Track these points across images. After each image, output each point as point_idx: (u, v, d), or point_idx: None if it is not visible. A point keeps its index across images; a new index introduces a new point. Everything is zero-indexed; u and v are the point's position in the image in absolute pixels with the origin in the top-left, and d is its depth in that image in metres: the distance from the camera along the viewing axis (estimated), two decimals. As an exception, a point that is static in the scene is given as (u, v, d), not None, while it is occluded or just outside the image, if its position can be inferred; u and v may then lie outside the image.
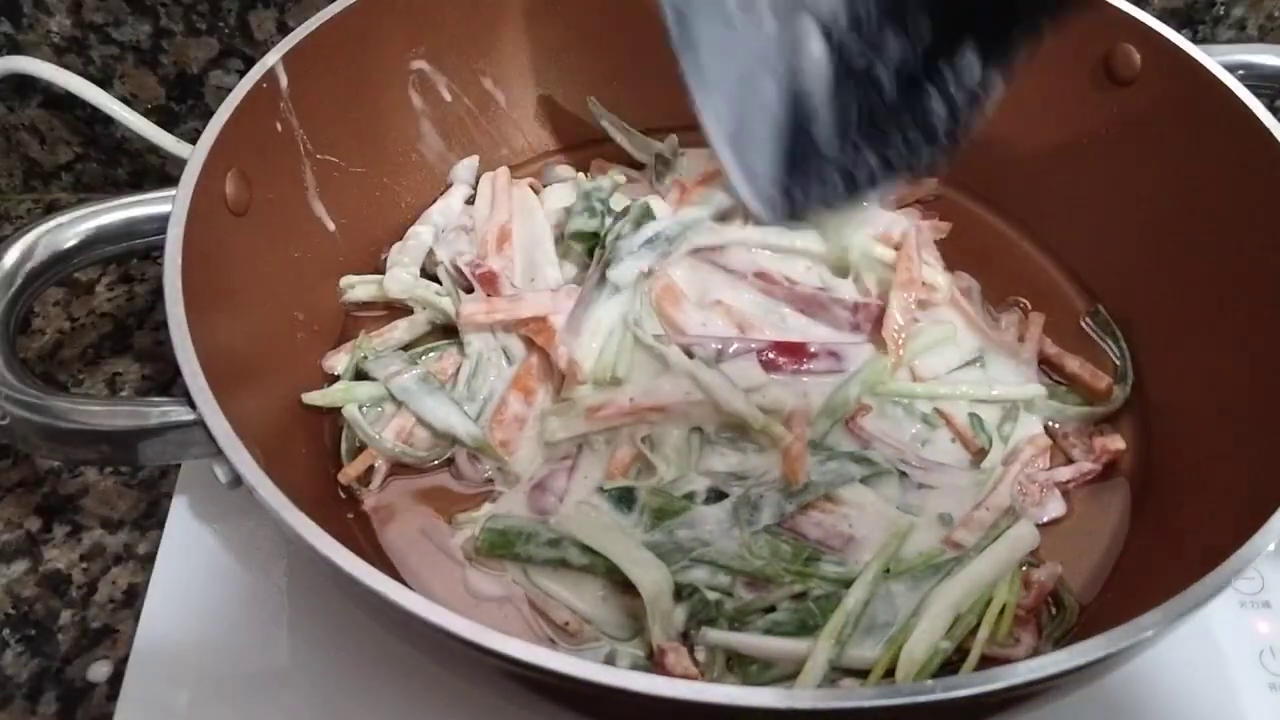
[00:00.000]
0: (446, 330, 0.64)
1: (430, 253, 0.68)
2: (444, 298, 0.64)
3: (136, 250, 0.55)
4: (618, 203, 0.68)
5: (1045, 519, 0.57)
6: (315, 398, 0.60)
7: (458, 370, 0.62)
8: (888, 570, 0.52)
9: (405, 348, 0.64)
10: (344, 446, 0.60)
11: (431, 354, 0.63)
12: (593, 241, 0.65)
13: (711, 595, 0.52)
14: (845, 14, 0.40)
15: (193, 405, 0.46)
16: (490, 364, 0.62)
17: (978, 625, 0.51)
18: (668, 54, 0.75)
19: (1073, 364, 0.64)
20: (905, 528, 0.54)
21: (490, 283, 0.63)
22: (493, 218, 0.68)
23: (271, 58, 0.60)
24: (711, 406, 0.57)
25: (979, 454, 0.59)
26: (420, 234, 0.69)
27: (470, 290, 0.64)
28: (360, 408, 0.60)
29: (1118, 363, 0.65)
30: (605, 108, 0.76)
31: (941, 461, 0.59)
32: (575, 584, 0.54)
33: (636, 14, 0.75)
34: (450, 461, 0.60)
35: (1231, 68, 0.60)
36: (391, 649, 0.55)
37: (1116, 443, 0.60)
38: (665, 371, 0.59)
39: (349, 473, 0.58)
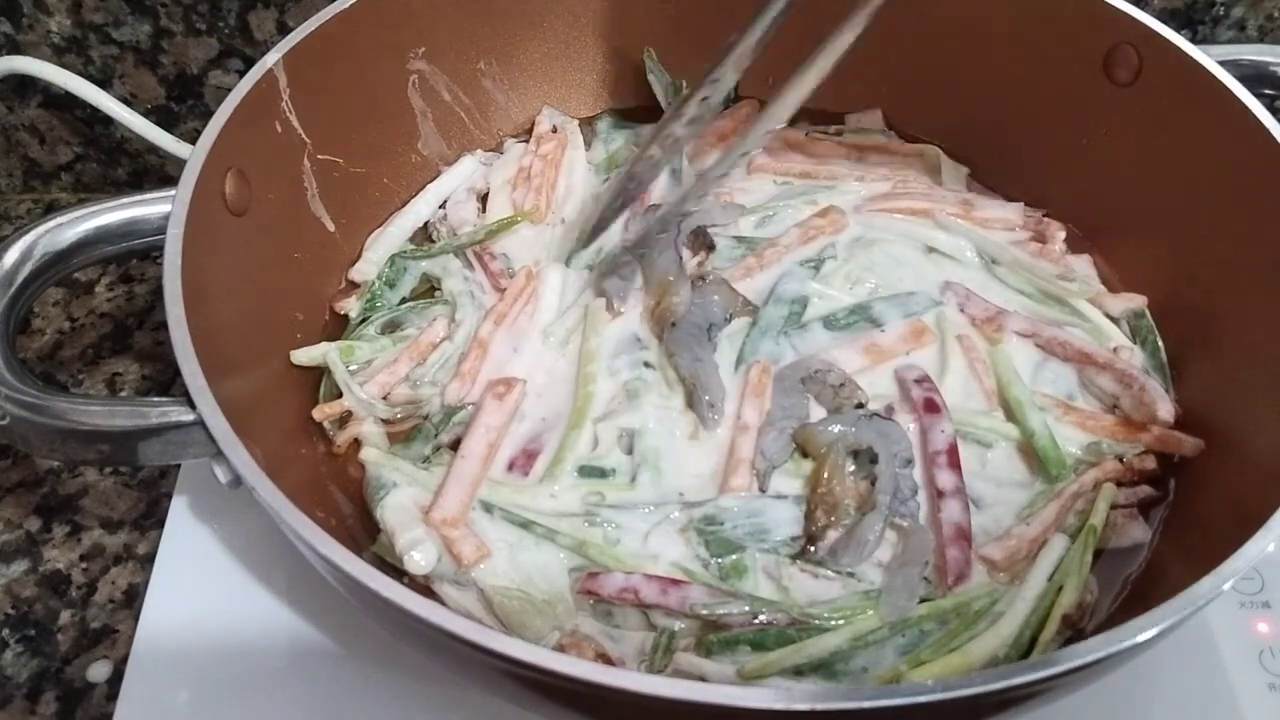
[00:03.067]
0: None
1: (425, 226, 0.70)
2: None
3: (136, 250, 0.55)
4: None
5: (1128, 544, 0.55)
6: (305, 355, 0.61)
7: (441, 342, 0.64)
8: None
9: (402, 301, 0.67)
10: (323, 389, 0.61)
11: (412, 325, 0.65)
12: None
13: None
14: None
15: (192, 405, 0.47)
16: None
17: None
18: (670, 56, 0.76)
19: (1126, 400, 0.60)
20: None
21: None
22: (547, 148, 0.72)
23: (271, 58, 0.60)
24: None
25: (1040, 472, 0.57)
26: (417, 211, 0.70)
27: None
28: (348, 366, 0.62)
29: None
30: (607, 107, 0.77)
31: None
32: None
33: (638, 16, 0.76)
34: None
35: (1231, 67, 0.60)
36: (392, 648, 0.55)
37: (1149, 462, 0.58)
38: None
39: (325, 410, 0.60)
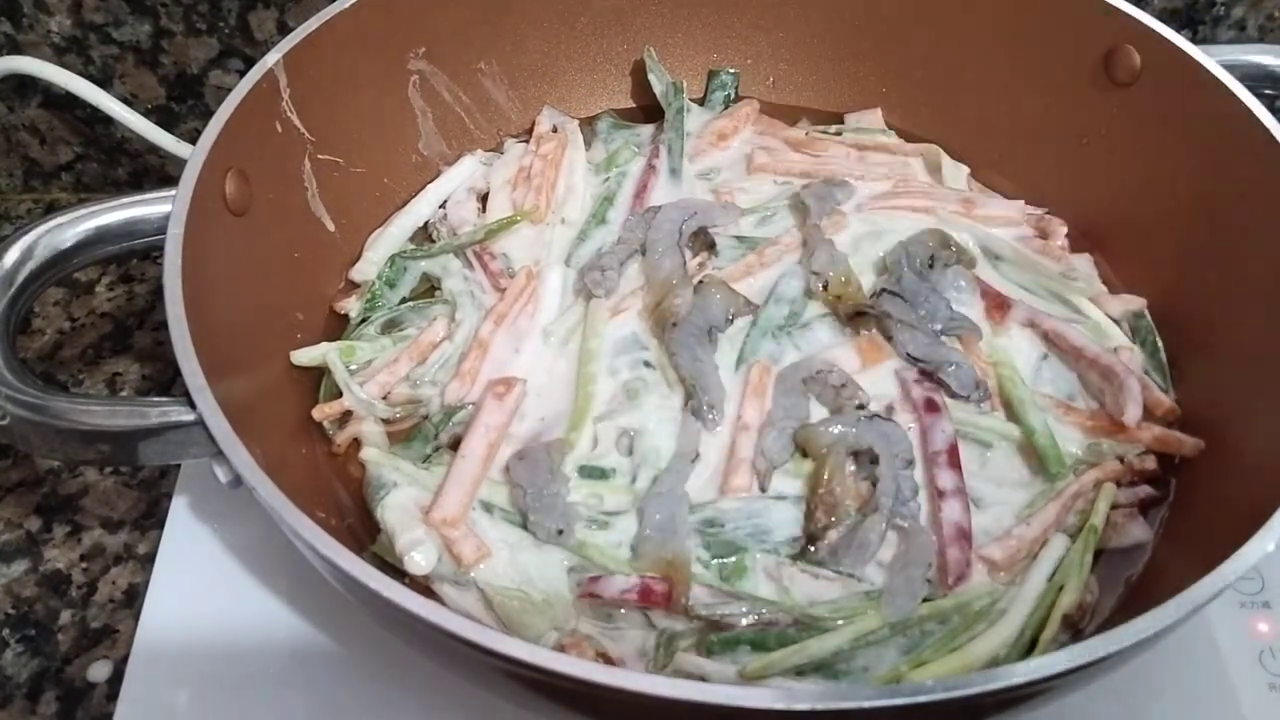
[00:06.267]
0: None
1: (425, 226, 0.70)
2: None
3: (136, 250, 0.55)
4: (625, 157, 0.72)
5: (1129, 544, 0.55)
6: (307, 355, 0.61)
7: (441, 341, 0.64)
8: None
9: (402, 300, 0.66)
10: (323, 389, 0.61)
11: (412, 324, 0.65)
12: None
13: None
14: None
15: (193, 405, 0.47)
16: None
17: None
18: (670, 55, 0.76)
19: (1109, 397, 0.59)
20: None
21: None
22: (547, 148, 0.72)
23: (271, 58, 0.60)
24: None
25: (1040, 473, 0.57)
26: (417, 211, 0.70)
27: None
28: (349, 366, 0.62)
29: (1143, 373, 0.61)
30: (607, 108, 0.77)
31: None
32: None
33: (637, 17, 0.76)
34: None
35: (1231, 68, 0.60)
36: (392, 648, 0.55)
37: (1149, 462, 0.58)
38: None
39: (324, 410, 0.60)
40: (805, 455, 0.57)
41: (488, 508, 0.55)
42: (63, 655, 0.61)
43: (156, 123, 0.76)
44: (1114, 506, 0.56)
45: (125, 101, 0.76)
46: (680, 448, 0.57)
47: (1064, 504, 0.55)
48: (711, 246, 0.66)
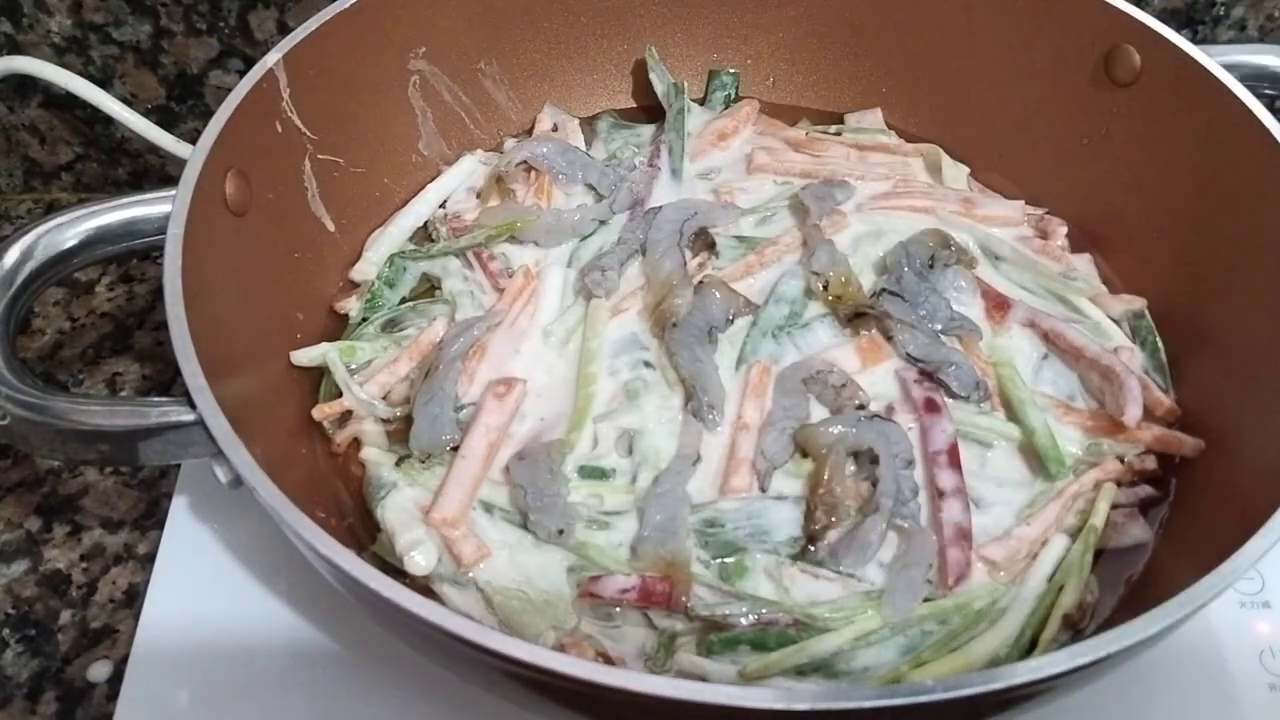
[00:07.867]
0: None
1: (425, 225, 0.70)
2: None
3: (136, 250, 0.55)
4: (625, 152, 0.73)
5: (1129, 544, 0.55)
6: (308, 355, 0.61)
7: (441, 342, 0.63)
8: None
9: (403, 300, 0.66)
10: (323, 389, 0.61)
11: (412, 324, 0.64)
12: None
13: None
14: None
15: (193, 405, 0.47)
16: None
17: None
18: (672, 55, 0.76)
19: (1109, 397, 0.60)
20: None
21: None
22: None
23: (271, 58, 0.60)
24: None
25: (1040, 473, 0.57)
26: (417, 211, 0.70)
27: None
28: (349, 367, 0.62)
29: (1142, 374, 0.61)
30: (607, 108, 0.77)
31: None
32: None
33: (637, 17, 0.76)
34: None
35: (1231, 68, 0.60)
36: (392, 648, 0.55)
37: (1149, 462, 0.58)
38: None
39: (324, 410, 0.60)
40: (805, 455, 0.57)
41: (488, 508, 0.55)
42: (63, 655, 0.61)
43: (156, 123, 0.76)
44: (1114, 506, 0.56)
45: (125, 101, 0.76)
46: (681, 448, 0.57)
47: (1064, 504, 0.55)
48: (711, 246, 0.66)
